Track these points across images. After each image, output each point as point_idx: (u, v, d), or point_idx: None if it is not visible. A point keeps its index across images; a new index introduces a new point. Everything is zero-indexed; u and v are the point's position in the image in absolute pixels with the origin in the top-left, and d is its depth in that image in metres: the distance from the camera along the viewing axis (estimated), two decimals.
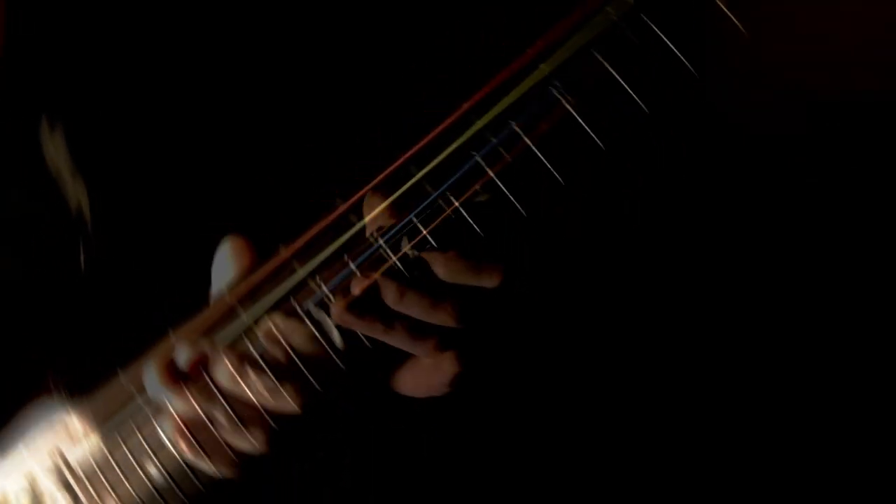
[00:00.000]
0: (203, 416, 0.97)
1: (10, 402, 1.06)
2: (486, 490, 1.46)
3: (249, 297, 0.96)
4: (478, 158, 0.88)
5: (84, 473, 1.03)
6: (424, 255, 0.91)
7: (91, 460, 1.03)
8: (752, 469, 1.50)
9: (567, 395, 1.47)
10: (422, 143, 0.90)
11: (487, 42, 1.30)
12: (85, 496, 1.03)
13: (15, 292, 1.19)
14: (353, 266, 0.92)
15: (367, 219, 0.93)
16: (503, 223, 0.90)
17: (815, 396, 1.49)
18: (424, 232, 0.90)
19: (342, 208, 0.93)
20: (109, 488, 1.02)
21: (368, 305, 0.91)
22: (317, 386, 0.95)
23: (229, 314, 0.96)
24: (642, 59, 0.85)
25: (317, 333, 0.94)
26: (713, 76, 0.85)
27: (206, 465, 0.99)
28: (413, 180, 0.91)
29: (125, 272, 1.26)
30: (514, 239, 0.91)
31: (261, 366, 0.94)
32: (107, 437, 1.02)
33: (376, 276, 0.91)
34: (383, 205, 0.91)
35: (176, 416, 0.98)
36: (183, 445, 0.98)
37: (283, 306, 0.95)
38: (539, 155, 0.87)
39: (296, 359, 0.94)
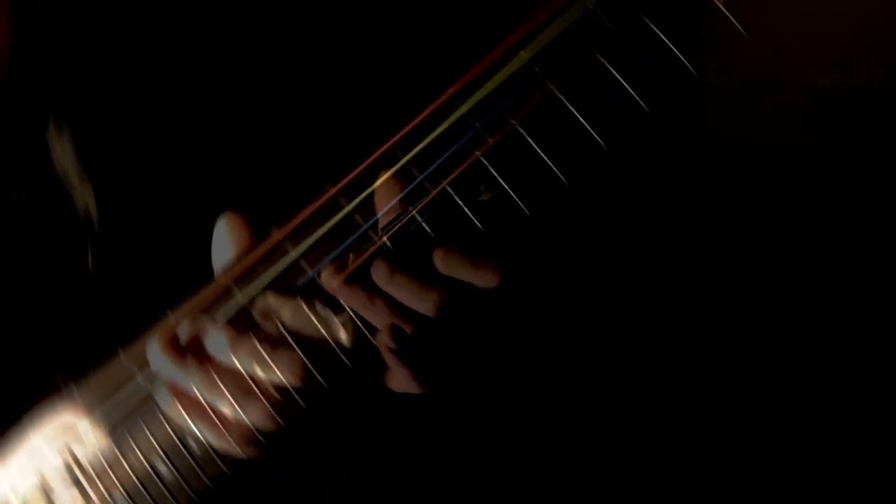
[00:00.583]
0: (206, 389, 0.99)
1: (20, 401, 1.07)
2: (486, 488, 1.47)
3: (244, 277, 0.99)
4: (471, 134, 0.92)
5: (93, 469, 1.05)
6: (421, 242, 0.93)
7: (100, 456, 1.04)
8: (753, 469, 1.51)
9: (563, 392, 1.48)
10: (410, 127, 0.94)
11: (475, 30, 1.33)
12: (94, 492, 1.05)
13: (22, 292, 1.21)
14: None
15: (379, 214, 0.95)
16: (505, 222, 0.92)
17: (815, 396, 1.50)
18: (413, 212, 0.93)
19: (332, 191, 0.96)
20: (118, 483, 1.04)
21: (358, 279, 0.95)
22: (310, 366, 0.97)
23: (225, 294, 0.99)
24: (634, 50, 0.87)
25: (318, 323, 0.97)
26: (712, 76, 0.87)
27: (220, 441, 1.00)
28: (400, 164, 0.94)
29: (133, 273, 1.28)
30: (514, 239, 0.93)
31: (256, 338, 0.97)
32: (115, 433, 1.04)
33: (368, 253, 0.94)
34: (373, 186, 0.95)
35: (179, 389, 1.00)
36: (188, 416, 1.00)
37: (276, 285, 0.97)
38: (527, 137, 0.90)
39: (287, 336, 0.97)
